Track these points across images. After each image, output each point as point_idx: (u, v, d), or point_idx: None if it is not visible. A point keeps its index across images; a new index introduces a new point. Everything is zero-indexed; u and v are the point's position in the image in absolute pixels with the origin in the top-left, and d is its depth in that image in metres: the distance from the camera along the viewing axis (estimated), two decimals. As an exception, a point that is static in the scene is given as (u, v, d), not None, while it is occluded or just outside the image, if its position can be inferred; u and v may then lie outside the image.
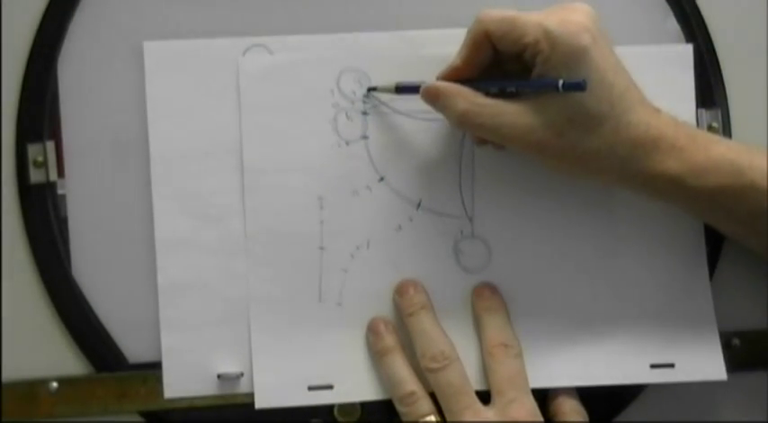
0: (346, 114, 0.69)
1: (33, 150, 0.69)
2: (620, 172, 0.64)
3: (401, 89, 0.68)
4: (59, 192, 0.69)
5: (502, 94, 0.64)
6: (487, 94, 0.64)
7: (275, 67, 0.69)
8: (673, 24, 0.72)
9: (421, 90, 0.66)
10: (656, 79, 0.70)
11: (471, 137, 0.69)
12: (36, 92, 0.69)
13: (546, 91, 0.63)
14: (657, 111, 0.65)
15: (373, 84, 0.69)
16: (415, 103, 0.69)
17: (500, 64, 0.66)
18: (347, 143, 0.69)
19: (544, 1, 0.65)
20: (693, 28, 0.72)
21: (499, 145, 0.67)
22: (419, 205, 0.70)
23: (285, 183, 0.69)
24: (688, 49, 0.72)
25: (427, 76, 0.67)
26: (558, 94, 0.62)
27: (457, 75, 0.66)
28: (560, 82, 0.61)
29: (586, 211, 0.70)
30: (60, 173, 0.69)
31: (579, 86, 0.61)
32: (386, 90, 0.69)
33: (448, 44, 0.67)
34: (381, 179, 0.70)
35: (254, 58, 0.69)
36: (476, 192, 0.70)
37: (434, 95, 0.65)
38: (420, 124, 0.70)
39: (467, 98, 0.64)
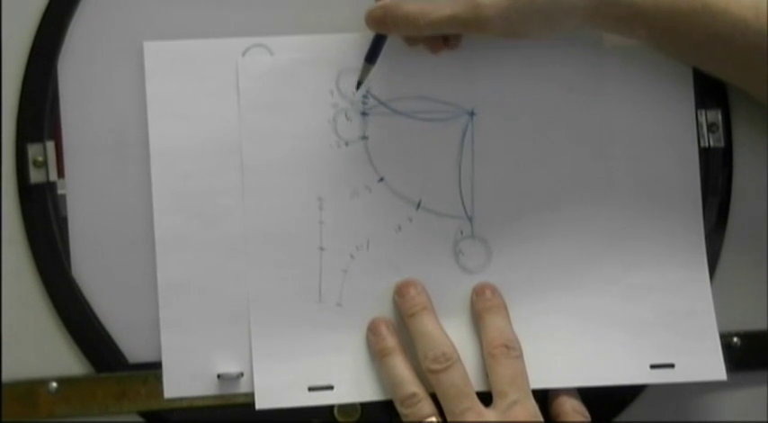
0: (345, 115, 0.69)
1: (33, 150, 0.69)
2: (582, 10, 0.64)
3: (370, 57, 0.67)
4: (59, 192, 0.69)
5: None
6: None
7: (275, 68, 0.69)
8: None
9: (366, 18, 0.65)
10: (655, 79, 0.70)
11: (425, 41, 0.68)
12: (36, 92, 0.69)
13: None
14: None
15: (373, 84, 0.69)
16: (415, 103, 0.69)
17: None
18: (346, 143, 0.69)
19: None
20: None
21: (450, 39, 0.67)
22: (419, 205, 0.70)
23: (285, 183, 0.69)
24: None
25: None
26: None
27: None
28: None
29: (586, 210, 0.70)
30: (60, 173, 0.69)
31: None
32: (366, 72, 0.68)
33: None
34: (381, 179, 0.70)
35: (254, 58, 0.69)
36: (475, 192, 0.70)
37: (380, 15, 0.65)
38: (420, 124, 0.70)
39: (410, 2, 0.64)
